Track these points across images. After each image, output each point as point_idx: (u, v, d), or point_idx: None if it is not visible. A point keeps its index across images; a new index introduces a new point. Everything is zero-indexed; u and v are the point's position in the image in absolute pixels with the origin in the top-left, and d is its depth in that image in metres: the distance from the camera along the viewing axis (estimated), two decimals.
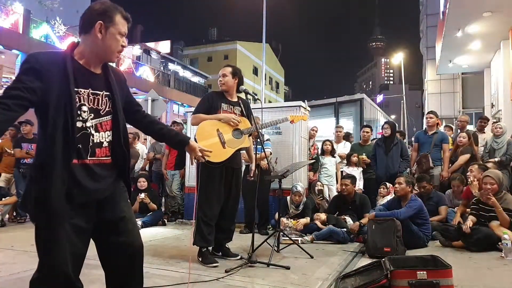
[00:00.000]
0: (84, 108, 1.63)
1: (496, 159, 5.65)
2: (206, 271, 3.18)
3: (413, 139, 6.69)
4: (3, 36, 13.72)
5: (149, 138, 9.66)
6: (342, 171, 6.43)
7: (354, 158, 6.19)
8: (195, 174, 3.59)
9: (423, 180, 5.01)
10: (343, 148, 6.94)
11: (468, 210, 4.46)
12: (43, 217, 1.55)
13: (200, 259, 3.45)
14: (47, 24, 16.52)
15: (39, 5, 18.02)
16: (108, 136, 1.72)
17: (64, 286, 1.58)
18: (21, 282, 2.68)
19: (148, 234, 4.95)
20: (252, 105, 3.99)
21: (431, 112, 6.22)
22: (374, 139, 7.20)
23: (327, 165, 6.47)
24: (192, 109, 4.41)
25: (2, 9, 14.69)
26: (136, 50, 25.18)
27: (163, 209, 6.60)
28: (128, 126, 1.85)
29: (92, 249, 1.71)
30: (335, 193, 6.04)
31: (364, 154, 6.15)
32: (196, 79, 31.47)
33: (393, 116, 31.57)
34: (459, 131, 6.48)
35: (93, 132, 1.66)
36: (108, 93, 1.72)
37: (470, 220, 4.05)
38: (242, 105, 3.68)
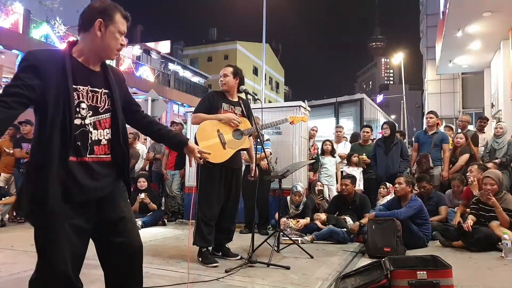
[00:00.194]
0: (83, 105, 1.63)
1: (497, 161, 5.65)
2: (206, 271, 3.18)
3: (413, 139, 6.69)
4: (3, 36, 13.70)
5: (149, 138, 9.68)
6: (342, 171, 6.43)
7: (355, 158, 6.19)
8: (195, 174, 3.59)
9: (423, 180, 5.01)
10: (343, 148, 6.94)
11: (468, 210, 4.46)
12: (41, 217, 1.54)
13: (200, 259, 3.44)
14: (47, 24, 16.51)
15: (39, 5, 18.01)
16: (107, 134, 1.72)
17: (64, 286, 1.58)
18: (21, 282, 2.67)
19: (148, 234, 4.95)
20: (252, 105, 3.98)
21: (431, 112, 6.22)
22: (374, 139, 7.20)
23: (327, 165, 6.47)
24: (192, 109, 4.41)
25: (2, 9, 14.67)
26: (136, 50, 25.18)
27: (163, 209, 6.60)
28: (128, 126, 1.85)
29: (92, 249, 1.71)
30: (335, 193, 6.03)
31: (364, 154, 6.15)
32: (196, 79, 31.47)
33: (393, 116, 31.57)
34: (459, 130, 6.49)
35: (91, 129, 1.65)
36: (107, 91, 1.72)
37: (471, 220, 4.05)
38: (242, 105, 3.68)
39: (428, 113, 6.20)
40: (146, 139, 9.33)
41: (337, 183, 6.24)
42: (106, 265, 1.77)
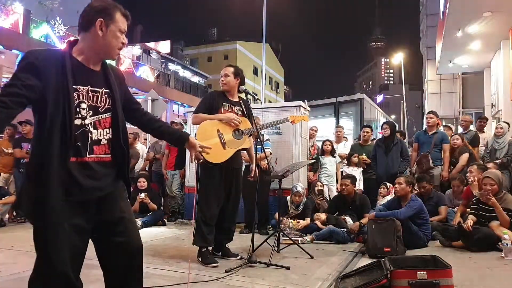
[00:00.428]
0: (83, 105, 1.63)
1: (498, 161, 5.66)
2: (206, 271, 3.17)
3: (413, 139, 6.69)
4: (3, 36, 13.70)
5: (149, 138, 9.68)
6: (342, 171, 6.43)
7: (355, 159, 6.19)
8: (195, 174, 3.59)
9: (423, 180, 5.01)
10: (343, 148, 6.94)
11: (468, 210, 4.46)
12: (42, 217, 1.54)
13: (200, 259, 3.44)
14: (47, 24, 16.51)
15: (39, 5, 17.98)
16: (107, 133, 1.71)
17: (64, 286, 1.58)
18: (21, 282, 2.67)
19: (148, 234, 4.95)
20: (252, 105, 3.99)
21: (431, 112, 6.22)
22: (373, 139, 7.20)
23: (327, 165, 6.47)
24: (192, 109, 4.41)
25: (2, 9, 14.67)
26: (136, 50, 25.17)
27: (162, 209, 6.59)
28: (128, 126, 1.85)
29: (92, 249, 1.71)
30: (335, 193, 6.03)
31: (364, 154, 6.15)
32: (196, 79, 31.47)
33: (393, 116, 31.57)
34: (462, 130, 6.50)
35: (91, 129, 1.65)
36: (107, 90, 1.71)
37: (471, 220, 4.05)
38: (243, 105, 3.68)
39: (428, 113, 6.20)
40: (146, 139, 9.34)
41: (337, 183, 6.24)
42: (106, 265, 1.77)
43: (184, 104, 24.39)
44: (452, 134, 6.38)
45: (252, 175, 3.79)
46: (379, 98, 32.45)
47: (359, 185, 5.93)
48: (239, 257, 3.61)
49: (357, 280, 2.74)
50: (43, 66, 1.53)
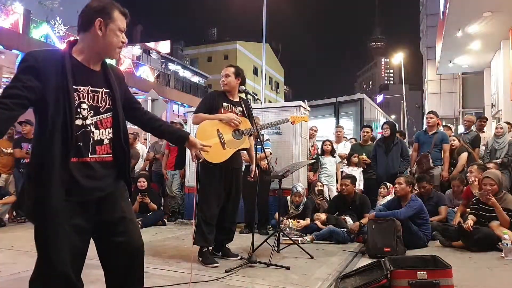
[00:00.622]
0: (84, 105, 1.63)
1: (498, 161, 5.66)
2: (206, 271, 3.18)
3: (413, 139, 6.69)
4: (3, 36, 13.71)
5: (149, 138, 9.68)
6: (342, 171, 6.43)
7: (355, 159, 6.20)
8: (195, 174, 3.59)
9: (423, 180, 5.01)
10: (343, 148, 6.94)
11: (468, 210, 4.46)
12: (43, 217, 1.54)
13: (200, 259, 3.45)
14: (47, 24, 16.52)
15: (39, 5, 18.00)
16: (109, 133, 1.71)
17: (64, 286, 1.58)
18: (21, 282, 2.67)
19: (148, 234, 4.95)
20: (252, 105, 3.99)
21: (431, 112, 6.22)
22: (374, 137, 7.20)
23: (327, 165, 6.47)
24: (192, 109, 4.42)
25: (2, 9, 14.67)
26: (136, 50, 25.18)
27: (162, 209, 6.60)
28: (128, 126, 1.85)
29: (92, 249, 1.71)
30: (335, 193, 6.04)
31: (364, 154, 6.16)
32: (196, 79, 31.47)
33: (393, 116, 31.56)
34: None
35: (93, 129, 1.65)
36: (108, 90, 1.71)
37: (471, 220, 4.05)
38: (243, 105, 3.68)
39: (428, 113, 6.20)
40: (146, 139, 9.33)
41: (337, 183, 6.24)
42: (107, 265, 1.77)
43: (184, 104, 24.40)
44: (451, 135, 6.39)
45: (252, 175, 3.79)
46: (379, 98, 32.45)
47: (359, 185, 5.93)
48: (239, 257, 3.61)
49: (357, 280, 2.74)
50: (43, 67, 1.53)
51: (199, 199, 3.42)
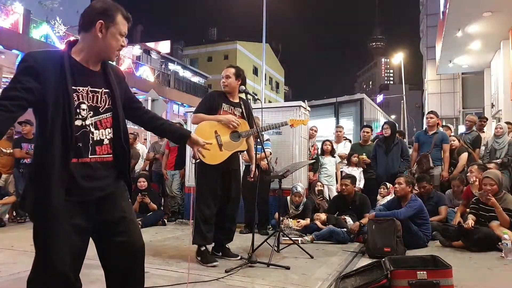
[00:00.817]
0: (83, 106, 1.62)
1: (498, 161, 5.66)
2: (206, 271, 3.18)
3: (413, 139, 6.68)
4: (3, 36, 13.72)
5: (149, 138, 9.67)
6: (342, 171, 6.43)
7: (355, 159, 6.20)
8: (194, 173, 3.59)
9: (423, 180, 5.01)
10: (343, 148, 6.94)
11: (468, 210, 4.46)
12: (44, 217, 1.54)
13: (199, 258, 3.45)
14: (47, 24, 16.53)
15: (39, 5, 18.03)
16: (109, 133, 1.71)
17: (63, 286, 1.58)
18: (21, 282, 2.66)
19: (148, 234, 4.95)
20: (252, 105, 3.99)
21: (431, 112, 6.22)
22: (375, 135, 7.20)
23: (327, 165, 6.47)
24: (192, 109, 4.41)
25: (2, 9, 14.68)
26: (136, 50, 25.18)
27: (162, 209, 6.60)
28: (128, 126, 1.85)
29: (92, 249, 1.71)
30: (335, 193, 6.03)
31: (364, 154, 6.15)
32: (196, 79, 31.48)
33: (393, 116, 31.55)
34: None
35: (92, 130, 1.65)
36: (107, 90, 1.71)
37: (471, 219, 4.05)
38: (243, 106, 3.68)
39: (429, 113, 6.19)
40: (146, 139, 9.33)
41: (337, 183, 6.24)
42: (107, 265, 1.77)
43: (184, 104, 24.42)
44: (451, 135, 6.38)
45: (252, 176, 3.79)
46: (379, 98, 32.48)
47: (359, 185, 5.93)
48: (239, 257, 3.61)
49: (357, 280, 2.74)
50: (42, 68, 1.52)
51: (197, 198, 3.42)
